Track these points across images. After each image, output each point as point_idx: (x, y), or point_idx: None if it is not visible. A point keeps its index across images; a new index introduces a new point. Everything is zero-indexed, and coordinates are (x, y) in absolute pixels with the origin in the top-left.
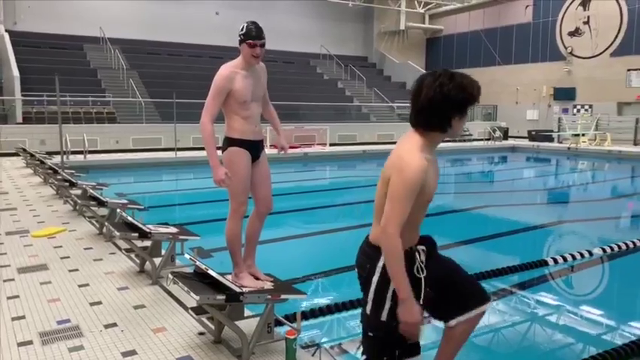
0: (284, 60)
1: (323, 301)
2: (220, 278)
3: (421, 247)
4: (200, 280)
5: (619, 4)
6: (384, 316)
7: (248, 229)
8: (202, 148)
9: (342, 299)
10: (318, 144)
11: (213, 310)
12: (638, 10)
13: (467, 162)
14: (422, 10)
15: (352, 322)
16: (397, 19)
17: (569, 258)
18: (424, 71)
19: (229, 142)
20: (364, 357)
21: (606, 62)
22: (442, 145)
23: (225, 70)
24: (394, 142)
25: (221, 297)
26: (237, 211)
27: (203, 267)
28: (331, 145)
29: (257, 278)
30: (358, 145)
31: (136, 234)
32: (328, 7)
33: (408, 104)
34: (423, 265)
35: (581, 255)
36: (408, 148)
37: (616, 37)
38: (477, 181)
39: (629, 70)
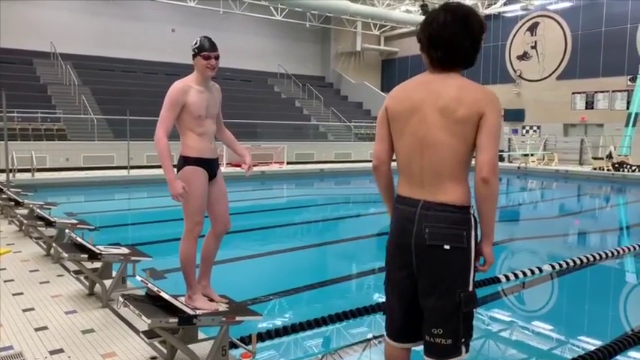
0: (241, 78)
1: (280, 321)
2: (173, 300)
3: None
4: (152, 302)
5: (563, 30)
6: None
7: (203, 250)
8: (156, 167)
9: (299, 319)
10: (275, 162)
11: (166, 333)
12: (581, 36)
13: None
14: (377, 33)
15: (310, 342)
16: (353, 40)
17: (521, 275)
18: (380, 92)
19: (185, 161)
20: (464, 345)
21: (553, 85)
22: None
23: (179, 83)
24: (351, 161)
25: (174, 320)
26: (192, 231)
27: (155, 289)
28: (289, 163)
29: (211, 300)
30: (316, 164)
31: (86, 255)
32: (286, 27)
33: (364, 123)
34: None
35: (532, 272)
36: (470, 83)
37: (561, 61)
38: None
39: (573, 93)
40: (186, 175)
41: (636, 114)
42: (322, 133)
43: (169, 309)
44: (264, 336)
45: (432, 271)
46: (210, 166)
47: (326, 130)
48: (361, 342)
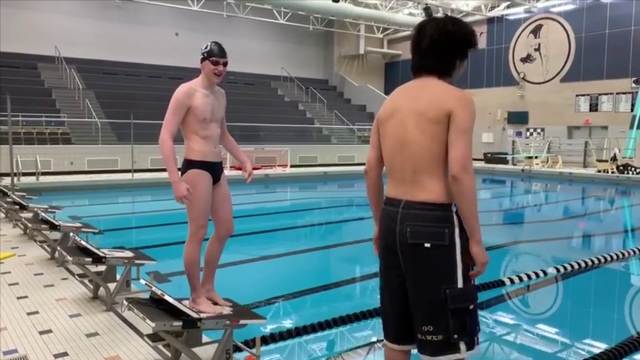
0: (244, 82)
1: (284, 325)
2: (177, 304)
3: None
4: (156, 306)
5: (567, 33)
6: (473, 279)
7: (207, 253)
8: (160, 170)
9: (304, 322)
10: (279, 165)
11: (170, 337)
12: (584, 38)
13: None
14: (380, 36)
15: (314, 345)
16: (357, 43)
17: (525, 278)
18: (383, 94)
19: (189, 164)
20: (463, 343)
21: (556, 88)
22: None
23: (184, 86)
24: (355, 164)
25: (178, 323)
26: (196, 234)
27: (159, 292)
28: (292, 166)
29: (215, 303)
30: (319, 167)
31: (90, 258)
32: (289, 30)
33: (368, 126)
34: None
35: (536, 275)
36: (444, 86)
37: (565, 63)
38: None
39: (577, 95)
40: (190, 177)
41: None
42: (326, 136)
43: (173, 312)
44: (269, 339)
45: (417, 269)
46: (214, 169)
47: (329, 133)
48: (365, 345)
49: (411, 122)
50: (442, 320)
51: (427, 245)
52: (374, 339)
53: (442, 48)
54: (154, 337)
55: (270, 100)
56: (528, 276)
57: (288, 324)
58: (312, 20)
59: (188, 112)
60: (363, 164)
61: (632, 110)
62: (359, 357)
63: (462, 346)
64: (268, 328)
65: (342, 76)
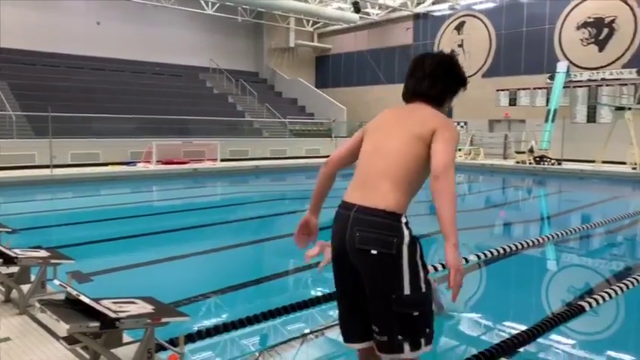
0: (171, 73)
1: (213, 321)
2: (93, 304)
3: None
4: (72, 307)
5: (488, 30)
6: (423, 287)
7: None
8: (82, 165)
9: (232, 318)
10: (208, 159)
11: (87, 338)
12: (504, 35)
13: None
14: (311, 29)
15: (246, 340)
16: (287, 36)
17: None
18: (314, 88)
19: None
20: (407, 344)
21: (479, 83)
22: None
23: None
24: (287, 158)
25: (94, 324)
26: None
27: (74, 293)
28: (222, 160)
29: None
30: (250, 161)
31: (0, 260)
32: (218, 21)
33: (299, 120)
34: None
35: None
36: (433, 110)
37: (486, 59)
38: None
39: (498, 90)
40: None
41: (555, 110)
42: (257, 130)
43: (90, 313)
44: (195, 337)
45: (365, 273)
46: None
47: (261, 126)
48: (298, 337)
49: (395, 134)
50: (387, 322)
51: (374, 252)
52: (307, 330)
53: (439, 79)
54: (71, 340)
55: (199, 93)
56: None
57: (217, 320)
58: (240, 12)
59: None
60: (296, 158)
61: (547, 104)
62: (292, 349)
63: (406, 346)
64: (198, 326)
65: (273, 69)
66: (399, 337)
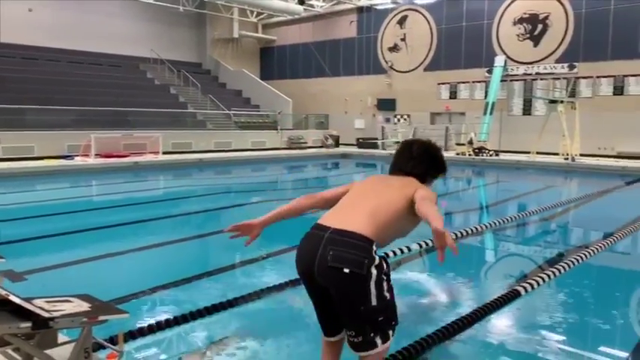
0: (110, 63)
1: (156, 318)
2: (24, 304)
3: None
4: (1, 307)
5: (429, 24)
6: (387, 296)
7: None
8: (18, 159)
9: (176, 314)
10: (149, 152)
11: (19, 340)
12: (444, 30)
13: (303, 168)
14: (255, 20)
15: (190, 335)
16: (230, 27)
17: (391, 254)
18: (259, 80)
19: None
20: (379, 337)
21: (421, 76)
22: (279, 152)
23: None
24: (232, 150)
25: (26, 325)
26: None
27: (4, 293)
28: (165, 153)
29: None
30: (194, 154)
31: None
32: (158, 10)
33: (244, 112)
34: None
35: (401, 251)
36: (417, 181)
37: (428, 53)
38: (312, 186)
39: (439, 83)
40: None
41: (493, 103)
42: (200, 122)
43: (21, 313)
44: (136, 334)
45: (333, 290)
46: None
47: (204, 118)
48: (245, 330)
49: (385, 189)
50: (360, 327)
51: (346, 271)
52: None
53: (423, 162)
54: (1, 342)
55: (139, 84)
56: (394, 252)
57: (160, 316)
58: (182, 1)
59: None
60: (241, 150)
61: (485, 98)
62: (241, 342)
63: (379, 340)
64: (140, 323)
65: (217, 60)
66: (372, 335)
